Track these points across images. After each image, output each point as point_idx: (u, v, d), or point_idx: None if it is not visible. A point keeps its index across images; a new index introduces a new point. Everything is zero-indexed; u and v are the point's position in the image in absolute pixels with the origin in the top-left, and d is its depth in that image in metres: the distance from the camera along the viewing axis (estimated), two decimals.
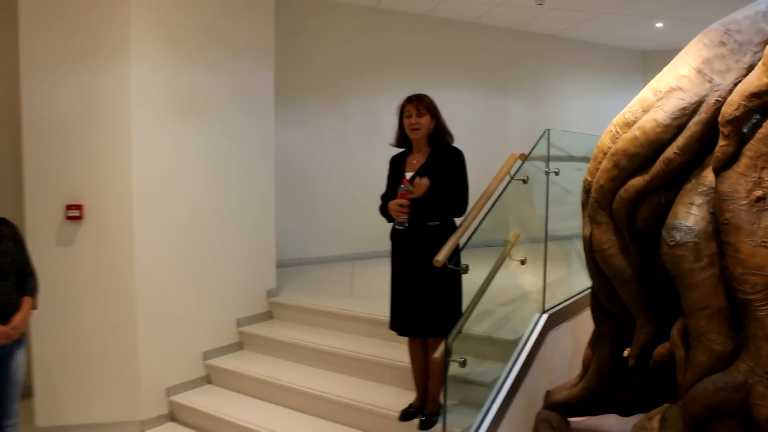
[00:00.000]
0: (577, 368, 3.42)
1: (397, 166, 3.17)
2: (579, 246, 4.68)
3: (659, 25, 7.21)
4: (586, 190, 2.85)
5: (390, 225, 3.13)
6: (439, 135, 3.08)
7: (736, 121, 2.23)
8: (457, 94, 7.10)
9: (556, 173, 3.62)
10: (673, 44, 7.95)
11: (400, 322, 3.11)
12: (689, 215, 2.42)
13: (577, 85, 8.28)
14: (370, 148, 6.45)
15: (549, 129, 3.59)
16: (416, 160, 3.09)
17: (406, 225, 2.96)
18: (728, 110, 2.26)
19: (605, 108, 8.17)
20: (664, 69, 2.72)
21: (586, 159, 4.42)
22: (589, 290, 3.96)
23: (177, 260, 4.08)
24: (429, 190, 2.95)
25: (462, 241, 2.90)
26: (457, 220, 3.07)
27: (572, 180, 3.76)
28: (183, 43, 4.07)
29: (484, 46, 7.41)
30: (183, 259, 4.12)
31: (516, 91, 7.80)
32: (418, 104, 3.03)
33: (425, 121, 3.03)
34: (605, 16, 6.94)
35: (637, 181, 2.58)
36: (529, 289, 3.88)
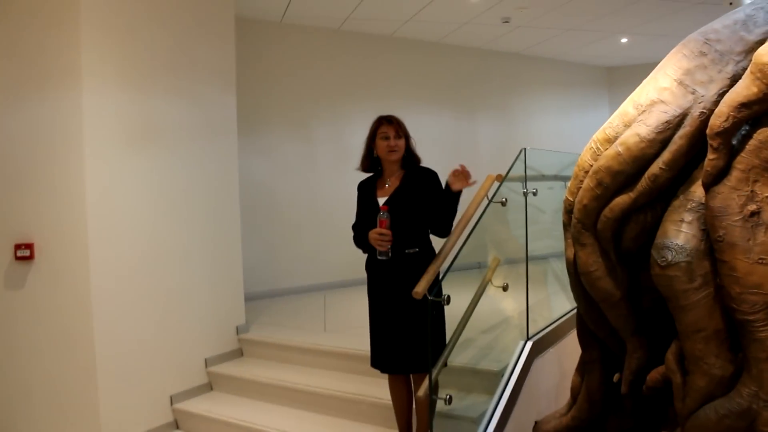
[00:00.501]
0: (565, 395, 3.30)
1: (367, 191, 3.04)
2: (555, 266, 4.62)
3: (624, 40, 7.28)
4: (568, 211, 2.74)
5: (365, 255, 2.99)
6: (412, 157, 3.00)
7: (725, 133, 2.15)
8: (424, 115, 7.05)
9: (534, 194, 3.52)
10: (637, 59, 8.06)
11: (382, 359, 2.95)
12: (680, 233, 2.32)
13: (543, 103, 8.32)
14: (338, 173, 6.36)
15: (525, 148, 3.49)
16: (389, 184, 2.97)
17: (390, 255, 2.82)
18: (717, 122, 2.17)
19: (572, 125, 8.26)
20: (644, 82, 2.64)
21: (557, 177, 4.40)
22: (570, 313, 3.91)
23: (138, 299, 3.87)
24: (409, 215, 2.83)
25: (442, 270, 2.78)
26: (437, 246, 2.95)
27: (544, 199, 3.72)
28: (138, 70, 3.91)
29: (450, 66, 7.40)
30: (144, 297, 3.91)
31: (484, 111, 7.79)
32: (396, 126, 2.94)
33: (403, 143, 2.94)
34: (570, 33, 6.97)
35: (622, 200, 2.47)
36: (510, 315, 3.78)
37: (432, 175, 2.95)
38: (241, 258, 4.66)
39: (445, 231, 2.91)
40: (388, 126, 2.94)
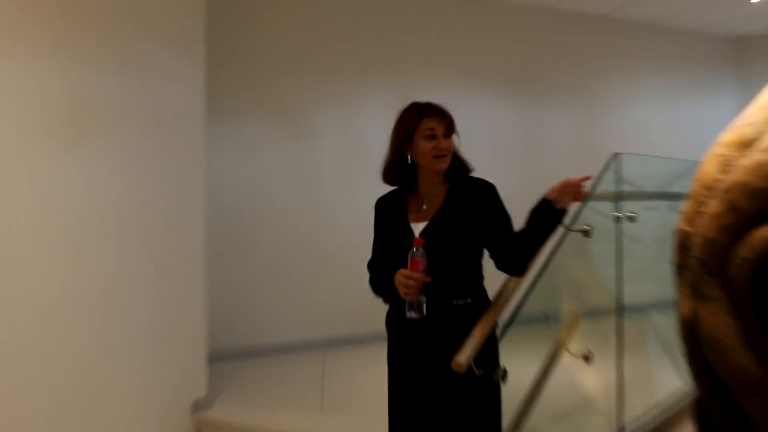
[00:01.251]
0: None
1: (393, 213, 2.93)
2: (658, 322, 4.53)
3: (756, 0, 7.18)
4: (682, 247, 2.61)
5: (386, 305, 2.91)
6: (460, 163, 2.89)
7: None
8: (469, 102, 7.00)
9: (632, 219, 3.45)
10: None
11: None
12: None
13: (642, 86, 8.25)
14: (345, 182, 6.34)
15: (618, 153, 3.41)
16: (426, 204, 2.86)
17: (424, 311, 2.71)
18: None
19: (684, 118, 8.17)
20: None
21: (662, 194, 4.32)
22: (682, 394, 3.80)
23: (45, 360, 3.77)
24: (459, 250, 2.74)
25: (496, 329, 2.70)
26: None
27: (643, 224, 3.68)
28: (66, 30, 3.87)
29: (507, 33, 7.36)
30: (55, 357, 3.82)
31: (557, 96, 7.73)
32: (446, 119, 2.83)
33: (452, 144, 2.84)
34: None
35: (766, 233, 2.37)
36: (594, 395, 3.69)
37: (489, 189, 2.83)
38: (205, 301, 4.60)
39: (523, 266, 2.81)
40: (436, 119, 2.83)
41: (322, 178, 6.44)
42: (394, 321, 2.88)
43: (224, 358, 5.47)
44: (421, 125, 2.83)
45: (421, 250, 2.65)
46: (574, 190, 2.76)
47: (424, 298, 2.67)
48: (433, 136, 2.80)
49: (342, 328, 6.18)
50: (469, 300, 2.76)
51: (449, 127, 2.82)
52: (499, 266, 2.82)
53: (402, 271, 2.68)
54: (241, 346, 5.87)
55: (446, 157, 2.82)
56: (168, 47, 4.40)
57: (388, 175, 2.97)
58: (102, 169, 4.05)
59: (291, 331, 6.19)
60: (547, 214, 2.75)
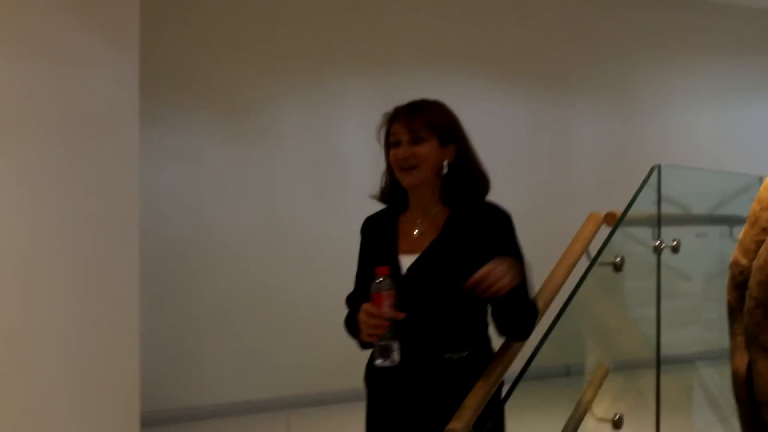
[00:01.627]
0: None
1: (379, 236, 2.98)
2: (708, 377, 4.58)
3: None
4: (738, 284, 2.71)
5: (364, 353, 2.94)
6: (466, 181, 2.91)
7: None
8: (471, 99, 6.97)
9: (675, 249, 3.51)
10: None
11: None
12: None
13: (691, 81, 8.30)
14: (317, 200, 6.35)
15: (659, 165, 3.48)
16: (419, 229, 2.90)
17: (396, 360, 2.72)
18: None
19: (744, 121, 8.22)
20: None
21: (714, 218, 4.38)
22: None
23: None
24: (456, 293, 2.74)
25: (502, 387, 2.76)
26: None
27: (691, 255, 3.73)
28: None
29: (520, 15, 7.41)
30: None
31: (584, 94, 7.79)
32: (411, 121, 2.81)
33: (428, 152, 2.81)
34: None
35: None
36: None
37: (501, 221, 2.84)
38: (138, 352, 4.61)
39: (519, 333, 2.81)
40: (399, 123, 2.84)
41: (285, 195, 6.45)
42: (374, 375, 2.89)
43: (164, 422, 5.49)
44: (390, 131, 2.88)
45: (387, 281, 2.63)
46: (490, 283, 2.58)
47: (396, 342, 2.64)
48: (397, 142, 2.82)
49: (311, 384, 6.22)
50: (466, 353, 2.79)
51: (415, 130, 2.80)
52: (499, 330, 2.82)
53: (365, 306, 2.66)
54: (183, 407, 5.90)
55: (416, 169, 2.80)
56: (93, 29, 4.43)
57: (382, 192, 3.02)
58: (9, 180, 4.08)
59: (246, 388, 6.21)
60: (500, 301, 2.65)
